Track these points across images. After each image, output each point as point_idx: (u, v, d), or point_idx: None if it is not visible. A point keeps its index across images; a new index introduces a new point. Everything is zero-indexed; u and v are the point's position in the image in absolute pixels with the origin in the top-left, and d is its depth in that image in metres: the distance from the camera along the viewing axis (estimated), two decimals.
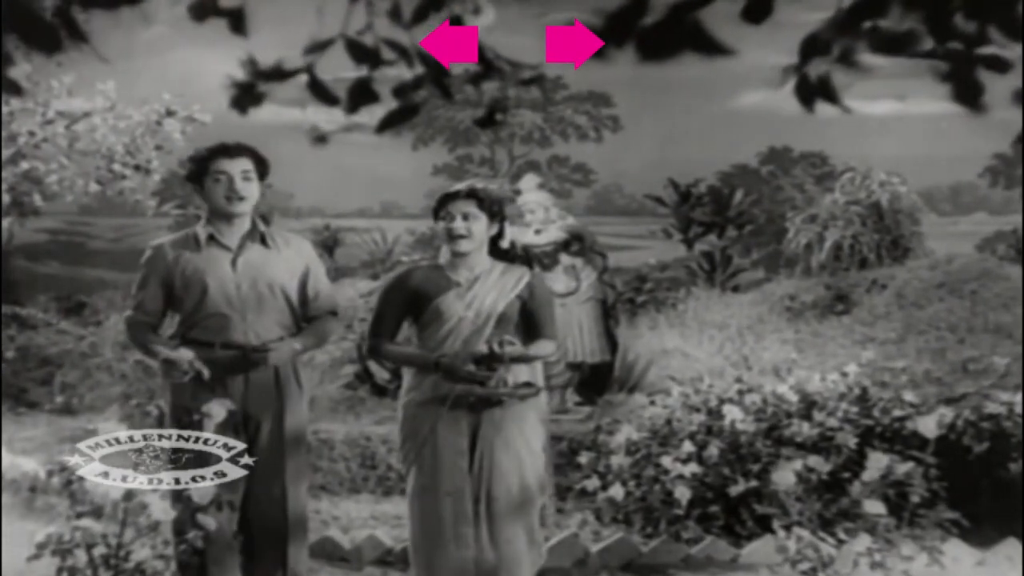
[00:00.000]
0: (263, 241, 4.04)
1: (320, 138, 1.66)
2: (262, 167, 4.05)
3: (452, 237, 3.93)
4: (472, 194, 3.93)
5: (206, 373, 3.81)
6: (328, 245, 12.14)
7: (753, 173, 14.68)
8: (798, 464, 4.75)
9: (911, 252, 10.05)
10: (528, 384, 3.92)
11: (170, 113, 9.01)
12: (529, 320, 4.01)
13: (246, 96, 1.67)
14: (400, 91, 1.65)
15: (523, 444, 3.95)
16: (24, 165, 8.57)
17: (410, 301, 3.99)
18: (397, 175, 14.86)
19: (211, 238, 4.01)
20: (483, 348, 3.84)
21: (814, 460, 4.84)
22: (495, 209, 3.96)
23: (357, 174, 14.61)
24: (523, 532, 3.95)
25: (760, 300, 9.40)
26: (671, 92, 14.26)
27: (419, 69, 1.64)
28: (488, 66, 1.65)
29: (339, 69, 1.70)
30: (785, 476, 4.66)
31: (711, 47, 1.50)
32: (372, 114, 1.68)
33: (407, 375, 4.07)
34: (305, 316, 4.09)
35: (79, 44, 1.59)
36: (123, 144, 9.04)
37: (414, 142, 15.45)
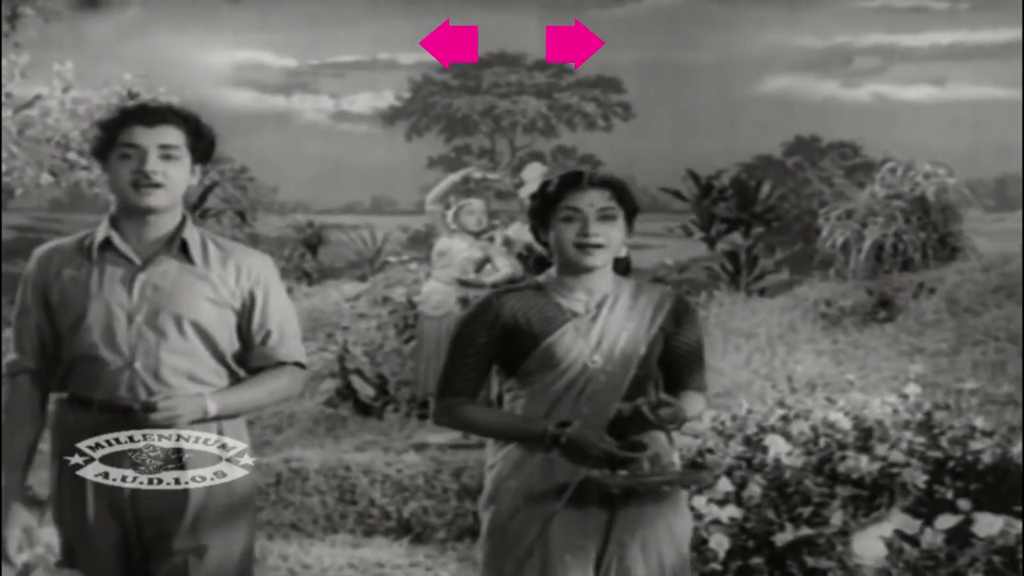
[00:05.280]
0: (185, 252, 2.77)
1: None
2: (201, 144, 2.79)
3: (584, 247, 2.68)
4: (606, 183, 2.71)
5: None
6: (311, 243, 11.55)
7: (777, 165, 13.90)
8: (886, 529, 3.78)
9: (959, 252, 9.23)
10: (697, 465, 2.79)
11: (132, 96, 8.33)
12: (671, 363, 2.79)
13: None
14: None
15: (670, 550, 2.71)
16: None
17: (503, 341, 2.71)
18: (389, 167, 14.19)
19: (108, 244, 2.76)
20: (624, 411, 2.61)
21: (902, 520, 3.87)
22: (633, 203, 2.76)
23: (346, 166, 14.04)
24: None
25: (791, 306, 8.58)
26: (687, 76, 13.59)
27: None
28: None
29: None
30: (872, 546, 3.69)
31: None
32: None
33: (500, 454, 2.75)
34: (247, 366, 2.83)
35: None
36: (80, 131, 8.41)
37: (407, 132, 14.84)
